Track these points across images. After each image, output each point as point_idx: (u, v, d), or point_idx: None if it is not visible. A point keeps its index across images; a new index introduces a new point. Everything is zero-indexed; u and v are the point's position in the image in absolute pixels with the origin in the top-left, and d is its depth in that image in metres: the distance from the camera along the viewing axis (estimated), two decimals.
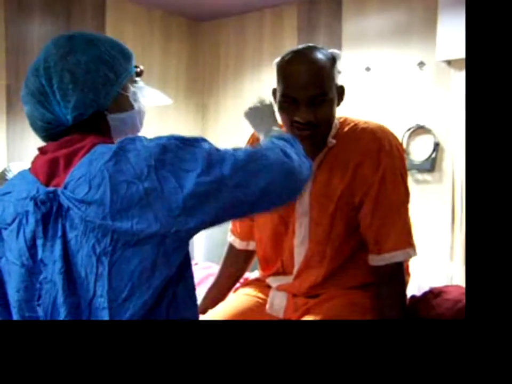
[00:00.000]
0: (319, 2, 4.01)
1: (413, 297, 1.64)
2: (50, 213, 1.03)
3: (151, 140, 1.05)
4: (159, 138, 1.05)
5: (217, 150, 1.06)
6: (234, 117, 4.44)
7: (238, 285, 1.82)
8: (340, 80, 1.52)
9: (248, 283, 1.78)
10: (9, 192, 1.12)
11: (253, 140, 1.69)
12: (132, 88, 1.17)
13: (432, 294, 1.58)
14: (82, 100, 1.09)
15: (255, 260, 1.81)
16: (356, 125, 1.55)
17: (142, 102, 1.20)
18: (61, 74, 1.08)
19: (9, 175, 3.11)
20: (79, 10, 3.86)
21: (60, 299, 1.01)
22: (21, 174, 1.15)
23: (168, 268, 1.02)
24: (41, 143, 1.16)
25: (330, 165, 1.52)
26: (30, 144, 3.46)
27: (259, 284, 1.71)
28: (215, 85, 4.59)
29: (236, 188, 1.03)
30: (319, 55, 1.46)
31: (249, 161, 1.06)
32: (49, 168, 1.08)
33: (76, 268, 1.02)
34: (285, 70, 1.47)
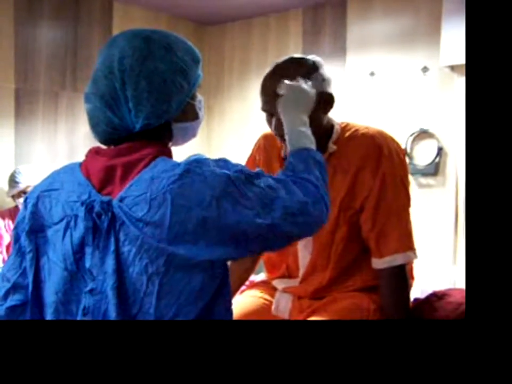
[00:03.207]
0: (324, 8, 4.03)
1: (416, 300, 1.66)
2: (103, 223, 1.02)
3: (217, 163, 1.04)
4: (225, 164, 1.05)
5: (270, 187, 1.06)
6: (239, 120, 4.46)
7: (244, 287, 1.85)
8: (336, 86, 1.52)
9: (254, 285, 1.80)
10: (57, 189, 1.10)
11: (259, 145, 1.71)
12: (198, 97, 1.16)
13: (436, 297, 1.59)
14: (155, 111, 1.06)
15: (260, 263, 1.83)
16: (356, 130, 1.56)
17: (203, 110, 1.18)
18: (136, 80, 1.05)
19: (19, 177, 3.15)
20: (86, 14, 3.90)
21: (112, 313, 1.01)
22: (70, 170, 1.12)
23: (212, 290, 1.06)
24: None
25: (332, 170, 1.54)
26: (38, 147, 3.47)
27: (265, 285, 1.74)
28: (220, 89, 4.62)
29: (279, 238, 1.08)
30: (290, 67, 1.47)
31: (298, 214, 1.07)
32: (105, 175, 1.06)
33: (125, 282, 1.02)
34: (261, 84, 1.51)
